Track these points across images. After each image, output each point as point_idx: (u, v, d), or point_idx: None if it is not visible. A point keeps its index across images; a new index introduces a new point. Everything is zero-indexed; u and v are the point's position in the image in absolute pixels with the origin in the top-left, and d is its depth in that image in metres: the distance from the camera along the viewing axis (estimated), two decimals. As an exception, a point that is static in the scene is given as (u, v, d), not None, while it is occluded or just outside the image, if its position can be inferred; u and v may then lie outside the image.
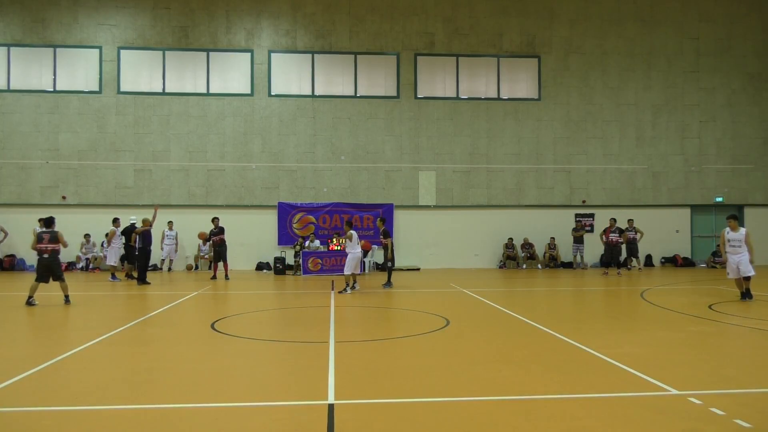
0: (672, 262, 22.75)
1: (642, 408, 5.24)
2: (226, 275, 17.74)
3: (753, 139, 23.35)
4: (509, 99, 22.58)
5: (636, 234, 19.86)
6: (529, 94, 22.72)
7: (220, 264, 18.02)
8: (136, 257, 16.29)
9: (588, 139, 22.75)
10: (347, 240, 14.25)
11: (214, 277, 17.90)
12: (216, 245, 18.03)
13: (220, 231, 18.05)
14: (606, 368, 6.57)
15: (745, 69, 23.36)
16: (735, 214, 12.53)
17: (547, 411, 5.17)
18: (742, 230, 12.10)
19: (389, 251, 15.31)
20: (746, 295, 12.05)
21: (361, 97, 22.10)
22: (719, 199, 23.17)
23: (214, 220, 18.43)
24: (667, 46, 23.07)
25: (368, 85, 22.24)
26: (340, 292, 13.80)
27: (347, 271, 14.05)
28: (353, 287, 14.20)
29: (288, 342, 8.12)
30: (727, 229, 12.14)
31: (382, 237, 15.40)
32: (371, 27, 22.13)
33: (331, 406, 5.21)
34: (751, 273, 11.90)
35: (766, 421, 4.82)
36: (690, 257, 22.90)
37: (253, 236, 20.93)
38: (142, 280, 16.11)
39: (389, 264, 15.41)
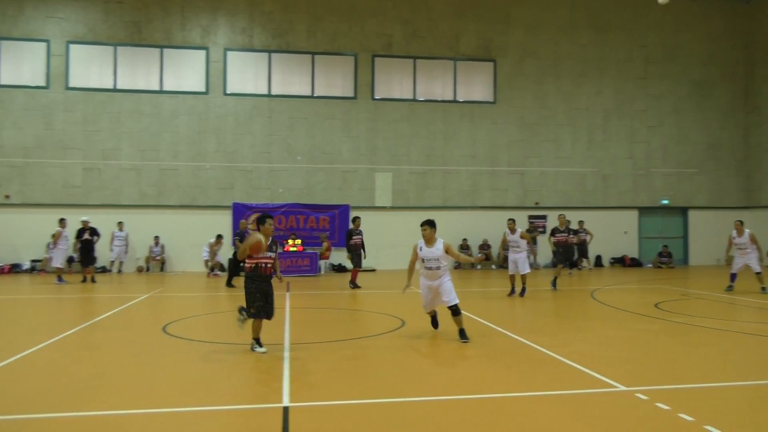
0: (620, 262, 23.42)
1: (592, 404, 5.38)
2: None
3: (697, 144, 24.26)
4: (465, 101, 22.83)
5: (586, 235, 20.39)
6: (485, 97, 23.02)
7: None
8: (230, 261, 16.18)
9: (541, 142, 23.20)
10: (523, 241, 13.74)
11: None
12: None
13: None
14: (558, 366, 6.72)
15: (691, 77, 24.24)
16: (430, 220, 8.84)
17: (500, 409, 5.25)
18: (439, 242, 8.63)
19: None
20: (435, 323, 9.02)
21: (318, 97, 21.97)
22: (665, 202, 23.98)
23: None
24: (617, 53, 23.74)
25: (325, 85, 22.12)
26: (521, 295, 13.41)
27: (528, 270, 13.52)
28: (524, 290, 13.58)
29: (242, 344, 8.00)
30: (420, 242, 8.71)
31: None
32: (329, 27, 22.03)
33: (285, 409, 5.16)
34: (454, 301, 8.37)
35: (708, 414, 5.02)
36: (638, 258, 23.63)
37: (207, 238, 20.49)
38: (229, 284, 15.81)
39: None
